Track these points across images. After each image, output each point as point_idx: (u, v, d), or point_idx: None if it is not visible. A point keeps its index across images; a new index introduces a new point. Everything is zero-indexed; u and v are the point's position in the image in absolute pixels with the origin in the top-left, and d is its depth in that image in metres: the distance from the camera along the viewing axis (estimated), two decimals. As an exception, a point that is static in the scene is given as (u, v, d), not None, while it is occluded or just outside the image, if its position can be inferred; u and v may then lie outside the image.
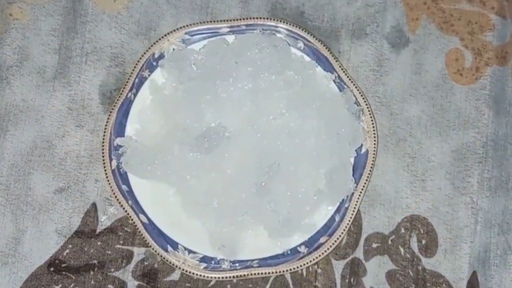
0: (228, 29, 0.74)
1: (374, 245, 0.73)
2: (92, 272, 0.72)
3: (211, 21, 0.75)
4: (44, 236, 0.73)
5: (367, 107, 0.73)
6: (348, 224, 0.71)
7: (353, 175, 0.72)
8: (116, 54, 0.76)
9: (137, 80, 0.73)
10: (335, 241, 0.71)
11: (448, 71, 0.76)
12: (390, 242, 0.73)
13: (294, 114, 0.71)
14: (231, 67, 0.71)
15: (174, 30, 0.74)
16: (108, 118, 0.72)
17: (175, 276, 0.72)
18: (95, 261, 0.72)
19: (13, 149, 0.74)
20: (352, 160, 0.72)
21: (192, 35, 0.74)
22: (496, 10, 0.77)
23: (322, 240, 0.71)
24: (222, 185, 0.70)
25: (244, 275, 0.70)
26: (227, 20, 0.74)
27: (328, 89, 0.73)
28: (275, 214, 0.69)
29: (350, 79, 0.73)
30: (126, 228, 0.73)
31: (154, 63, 0.74)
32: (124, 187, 0.72)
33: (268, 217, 0.70)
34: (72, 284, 0.72)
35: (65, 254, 0.72)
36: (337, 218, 0.72)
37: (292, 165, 0.70)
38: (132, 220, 0.71)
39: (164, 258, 0.70)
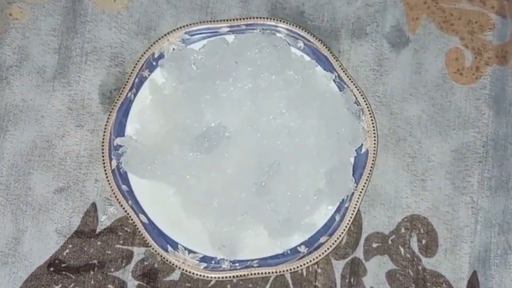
0: (228, 29, 0.74)
1: (374, 245, 0.73)
2: (92, 272, 0.72)
3: (211, 21, 0.74)
4: (44, 236, 0.73)
5: (367, 107, 0.73)
6: (348, 224, 0.71)
7: (353, 174, 0.72)
8: (116, 53, 0.76)
9: (137, 80, 0.73)
10: (335, 241, 0.71)
11: (448, 70, 0.76)
12: (390, 242, 0.73)
13: (294, 114, 0.71)
14: (231, 67, 0.71)
15: (174, 30, 0.74)
16: (108, 118, 0.72)
17: (175, 276, 0.72)
18: (95, 261, 0.72)
19: (13, 149, 0.74)
20: (352, 159, 0.72)
21: (192, 35, 0.74)
22: (496, 10, 0.77)
23: (322, 240, 0.71)
24: (222, 185, 0.70)
25: (244, 275, 0.70)
26: (227, 20, 0.74)
27: (328, 88, 0.73)
28: (275, 214, 0.69)
29: (350, 79, 0.73)
30: (126, 228, 0.73)
31: (154, 63, 0.73)
32: (124, 187, 0.71)
33: (268, 216, 0.70)
34: (72, 284, 0.72)
35: (65, 254, 0.72)
36: (337, 218, 0.72)
37: (292, 164, 0.70)
38: (132, 220, 0.71)
39: (164, 258, 0.70)
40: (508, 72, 0.76)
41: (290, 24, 0.74)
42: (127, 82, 0.73)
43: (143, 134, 0.72)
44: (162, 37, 0.74)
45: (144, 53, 0.73)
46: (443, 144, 0.75)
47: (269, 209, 0.69)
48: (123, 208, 0.71)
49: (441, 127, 0.75)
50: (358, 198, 0.72)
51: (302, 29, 0.74)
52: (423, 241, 0.73)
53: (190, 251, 0.71)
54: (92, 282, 0.72)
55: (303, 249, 0.71)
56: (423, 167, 0.74)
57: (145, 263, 0.72)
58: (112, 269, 0.72)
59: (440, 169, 0.74)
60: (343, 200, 0.72)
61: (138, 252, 0.72)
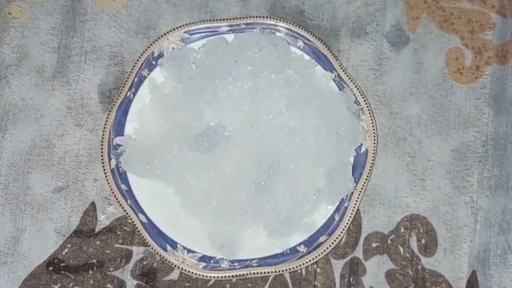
0: (228, 28, 0.74)
1: (374, 245, 0.73)
2: (91, 272, 0.72)
3: (210, 20, 0.74)
4: (43, 236, 0.72)
5: (367, 106, 0.73)
6: (347, 223, 0.71)
7: (352, 174, 0.72)
8: (115, 53, 0.75)
9: (136, 79, 0.73)
10: (335, 240, 0.71)
11: (448, 70, 0.76)
12: (389, 242, 0.73)
13: (294, 113, 0.71)
14: (230, 66, 0.71)
15: (174, 29, 0.74)
16: (107, 117, 0.72)
17: (174, 275, 0.72)
18: (94, 261, 0.72)
19: (12, 148, 0.74)
20: (351, 159, 0.72)
21: (191, 34, 0.74)
22: (497, 9, 0.77)
23: (321, 239, 0.71)
24: (222, 184, 0.70)
25: (243, 274, 0.70)
26: (227, 19, 0.74)
27: (328, 88, 0.73)
28: (274, 214, 0.69)
29: (350, 78, 0.73)
30: (125, 228, 0.73)
31: (154, 62, 0.73)
32: (123, 186, 0.71)
33: (268, 216, 0.70)
34: (71, 284, 0.72)
35: (64, 253, 0.72)
36: (336, 218, 0.72)
37: (292, 164, 0.70)
38: (131, 219, 0.71)
39: (163, 257, 0.70)
40: (508, 71, 0.76)
41: (289, 23, 0.74)
42: (126, 81, 0.73)
43: (143, 133, 0.72)
44: (162, 36, 0.74)
45: (144, 52, 0.73)
46: (443, 144, 0.75)
47: (269, 208, 0.69)
48: (122, 208, 0.71)
49: (441, 127, 0.75)
50: (358, 197, 0.71)
51: (302, 28, 0.74)
52: (423, 241, 0.73)
53: (189, 251, 0.71)
54: (91, 281, 0.72)
55: (302, 248, 0.71)
56: (423, 166, 0.74)
57: (144, 262, 0.72)
58: (111, 269, 0.72)
59: (440, 169, 0.74)
60: (342, 199, 0.72)
61: (137, 252, 0.72)
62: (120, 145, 0.71)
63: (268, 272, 0.70)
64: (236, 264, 0.71)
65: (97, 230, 0.73)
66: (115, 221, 0.73)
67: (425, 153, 0.75)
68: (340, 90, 0.73)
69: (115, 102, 0.72)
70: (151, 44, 0.73)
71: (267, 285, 0.72)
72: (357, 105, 0.73)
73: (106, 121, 0.72)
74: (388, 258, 0.73)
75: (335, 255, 0.73)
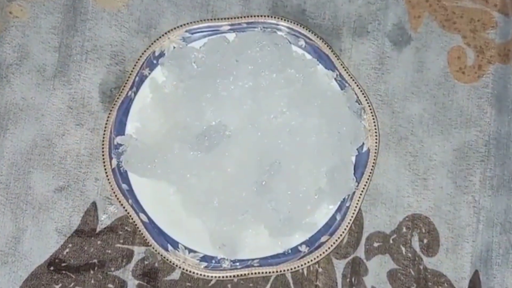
0: (229, 27, 0.74)
1: (376, 244, 0.73)
2: (92, 271, 0.72)
3: (211, 19, 0.74)
4: (44, 235, 0.72)
5: (369, 106, 0.73)
6: (349, 223, 0.71)
7: (354, 173, 0.71)
8: (116, 52, 0.75)
9: (137, 78, 0.73)
10: (336, 240, 0.71)
11: (450, 69, 0.76)
12: (391, 241, 0.73)
13: (295, 113, 0.71)
14: (231, 65, 0.71)
15: (175, 28, 0.74)
16: (108, 117, 0.72)
17: (176, 275, 0.72)
18: (95, 260, 0.72)
19: (13, 147, 0.74)
20: (353, 158, 0.72)
21: (192, 33, 0.74)
22: (499, 8, 0.77)
23: (323, 239, 0.71)
24: (223, 184, 0.70)
25: (245, 274, 0.70)
26: (228, 18, 0.74)
27: (329, 87, 0.73)
28: (275, 213, 0.69)
29: (351, 77, 0.73)
30: (126, 227, 0.73)
31: (155, 61, 0.73)
32: (124, 186, 0.71)
33: (269, 216, 0.69)
34: (72, 283, 0.72)
35: (65, 253, 0.72)
36: (338, 217, 0.71)
37: (293, 163, 0.70)
38: (132, 219, 0.71)
39: (164, 257, 0.70)
40: (510, 70, 0.76)
41: (291, 22, 0.74)
42: (127, 80, 0.73)
43: (144, 132, 0.72)
44: (163, 35, 0.74)
45: (145, 51, 0.73)
46: (445, 143, 0.75)
47: (270, 208, 0.69)
48: (123, 207, 0.71)
49: (443, 126, 0.75)
50: (359, 197, 0.71)
51: (303, 27, 0.74)
52: (425, 241, 0.73)
53: (190, 251, 0.71)
54: (92, 281, 0.72)
55: (304, 248, 0.71)
56: (425, 166, 0.74)
57: (146, 262, 0.72)
58: (112, 269, 0.72)
59: (442, 168, 0.74)
60: (344, 199, 0.72)
61: (139, 251, 0.72)
62: (121, 145, 0.71)
63: (270, 272, 0.70)
64: (238, 264, 0.71)
65: (98, 229, 0.73)
66: (116, 221, 0.73)
67: (427, 153, 0.74)
68: (341, 89, 0.73)
69: (116, 101, 0.72)
70: (152, 43, 0.73)
71: (269, 285, 0.72)
72: (359, 104, 0.73)
73: (107, 120, 0.72)
74: (390, 258, 0.73)
75: (337, 255, 0.73)
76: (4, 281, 0.71)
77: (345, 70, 0.73)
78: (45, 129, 0.74)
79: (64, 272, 0.72)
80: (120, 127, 0.72)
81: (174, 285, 0.72)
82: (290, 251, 0.71)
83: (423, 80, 0.75)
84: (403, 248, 0.73)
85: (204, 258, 0.71)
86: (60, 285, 0.72)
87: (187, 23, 0.74)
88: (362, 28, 0.76)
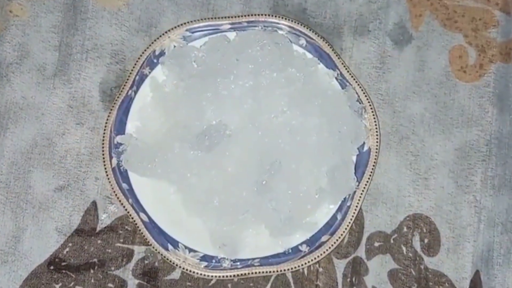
0: (229, 26, 0.74)
1: (376, 244, 0.73)
2: (92, 271, 0.72)
3: (212, 18, 0.74)
4: (44, 235, 0.72)
5: (370, 105, 0.72)
6: (350, 222, 0.71)
7: (355, 173, 0.71)
8: (116, 51, 0.75)
9: (137, 77, 0.73)
10: (337, 240, 0.70)
11: (451, 68, 0.76)
12: (392, 241, 0.73)
13: (296, 112, 0.71)
14: (232, 64, 0.71)
15: (175, 27, 0.74)
16: (108, 116, 0.72)
17: (176, 275, 0.72)
18: (95, 260, 0.72)
19: (13, 147, 0.74)
20: (354, 158, 0.72)
21: (193, 32, 0.74)
22: (500, 6, 0.76)
23: (323, 239, 0.71)
24: (223, 183, 0.70)
25: (245, 274, 0.70)
26: (228, 17, 0.74)
27: (330, 86, 0.73)
28: (276, 213, 0.69)
29: (352, 77, 0.73)
30: (126, 227, 0.72)
31: (155, 60, 0.73)
32: (124, 185, 0.71)
33: (269, 215, 0.69)
34: (72, 283, 0.72)
35: (65, 252, 0.72)
36: (339, 217, 0.71)
37: (294, 163, 0.70)
38: (132, 218, 0.71)
39: (164, 256, 0.70)
40: (512, 69, 0.76)
41: (292, 21, 0.73)
42: (127, 79, 0.73)
43: (144, 132, 0.72)
44: (163, 34, 0.73)
45: (145, 50, 0.73)
46: (446, 143, 0.74)
47: (270, 207, 0.69)
48: (124, 207, 0.71)
49: (444, 125, 0.75)
50: (360, 196, 0.71)
51: (304, 26, 0.73)
52: (426, 240, 0.73)
53: (190, 250, 0.71)
54: (92, 280, 0.72)
55: (304, 248, 0.71)
56: (426, 165, 0.74)
57: (146, 261, 0.72)
58: (113, 268, 0.72)
59: (443, 168, 0.74)
60: (345, 198, 0.71)
61: (139, 251, 0.72)
62: (121, 144, 0.71)
63: (270, 272, 0.70)
64: (238, 263, 0.71)
65: (98, 229, 0.73)
66: (116, 220, 0.73)
67: (428, 152, 0.74)
68: (342, 88, 0.73)
69: (116, 100, 0.72)
70: (152, 42, 0.73)
71: (269, 284, 0.72)
72: (360, 103, 0.72)
73: (107, 119, 0.72)
74: (390, 258, 0.72)
75: (338, 255, 0.72)
76: (4, 280, 0.71)
77: (346, 69, 0.73)
78: (45, 128, 0.74)
79: (64, 271, 0.72)
80: (120, 126, 0.72)
81: (174, 284, 0.72)
82: (290, 251, 0.71)
83: (424, 79, 0.75)
84: (404, 248, 0.73)
85: (205, 258, 0.71)
86: (60, 284, 0.72)
87: (188, 22, 0.74)
88: (363, 27, 0.76)
